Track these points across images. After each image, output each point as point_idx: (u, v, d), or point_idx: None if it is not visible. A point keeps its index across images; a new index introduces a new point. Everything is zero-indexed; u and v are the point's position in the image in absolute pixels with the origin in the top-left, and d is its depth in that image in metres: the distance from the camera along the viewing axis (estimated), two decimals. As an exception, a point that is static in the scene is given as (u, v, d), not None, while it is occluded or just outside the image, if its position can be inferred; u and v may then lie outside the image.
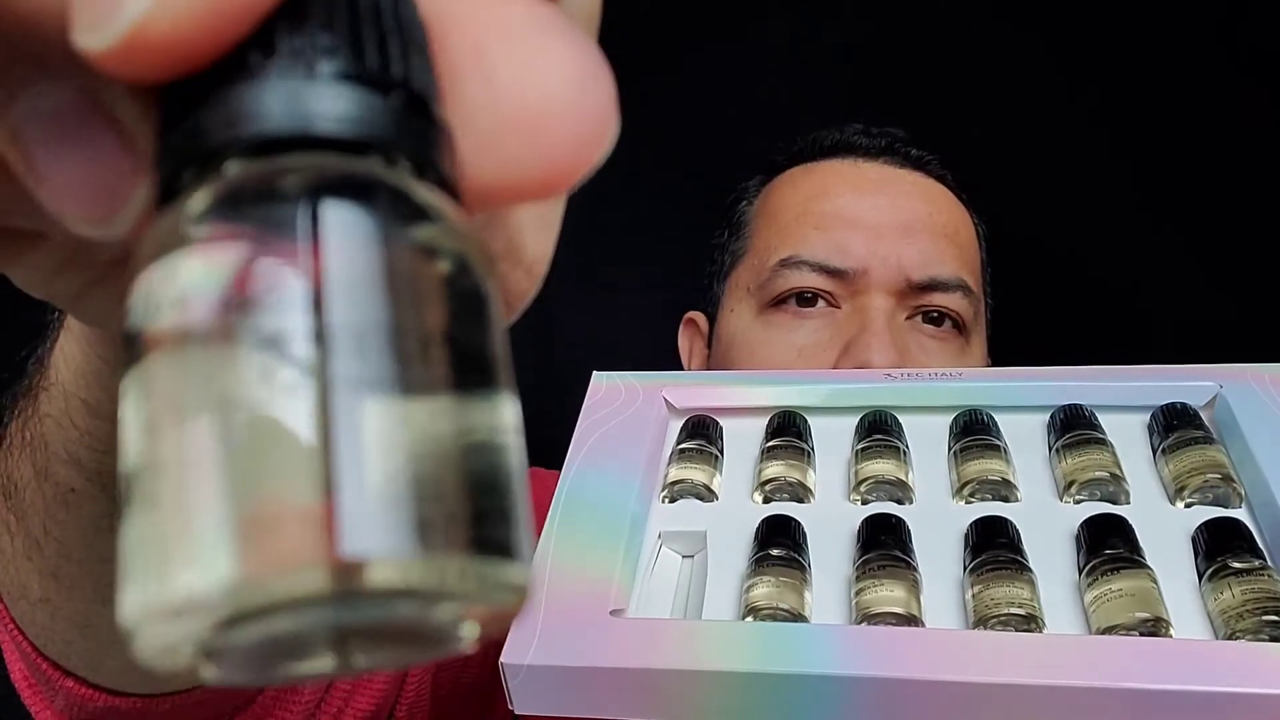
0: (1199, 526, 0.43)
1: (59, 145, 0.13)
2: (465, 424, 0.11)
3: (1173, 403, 0.49)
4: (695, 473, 0.50)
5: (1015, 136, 0.93)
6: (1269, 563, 0.41)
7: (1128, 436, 0.49)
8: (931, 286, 0.71)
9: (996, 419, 0.50)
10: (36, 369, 0.36)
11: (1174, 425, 0.47)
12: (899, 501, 0.47)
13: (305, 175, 0.11)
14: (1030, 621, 0.40)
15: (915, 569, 0.43)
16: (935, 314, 0.71)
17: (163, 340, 0.11)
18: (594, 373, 0.55)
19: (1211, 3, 0.92)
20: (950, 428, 0.51)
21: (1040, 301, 0.90)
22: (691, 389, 0.55)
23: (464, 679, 0.61)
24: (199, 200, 0.11)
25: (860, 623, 0.41)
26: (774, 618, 0.42)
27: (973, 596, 0.42)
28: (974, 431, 0.49)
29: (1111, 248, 0.95)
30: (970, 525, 0.44)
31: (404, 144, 0.12)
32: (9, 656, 0.45)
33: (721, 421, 0.53)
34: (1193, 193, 0.94)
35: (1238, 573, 0.40)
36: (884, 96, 0.93)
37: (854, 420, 0.52)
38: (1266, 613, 0.39)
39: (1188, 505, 0.45)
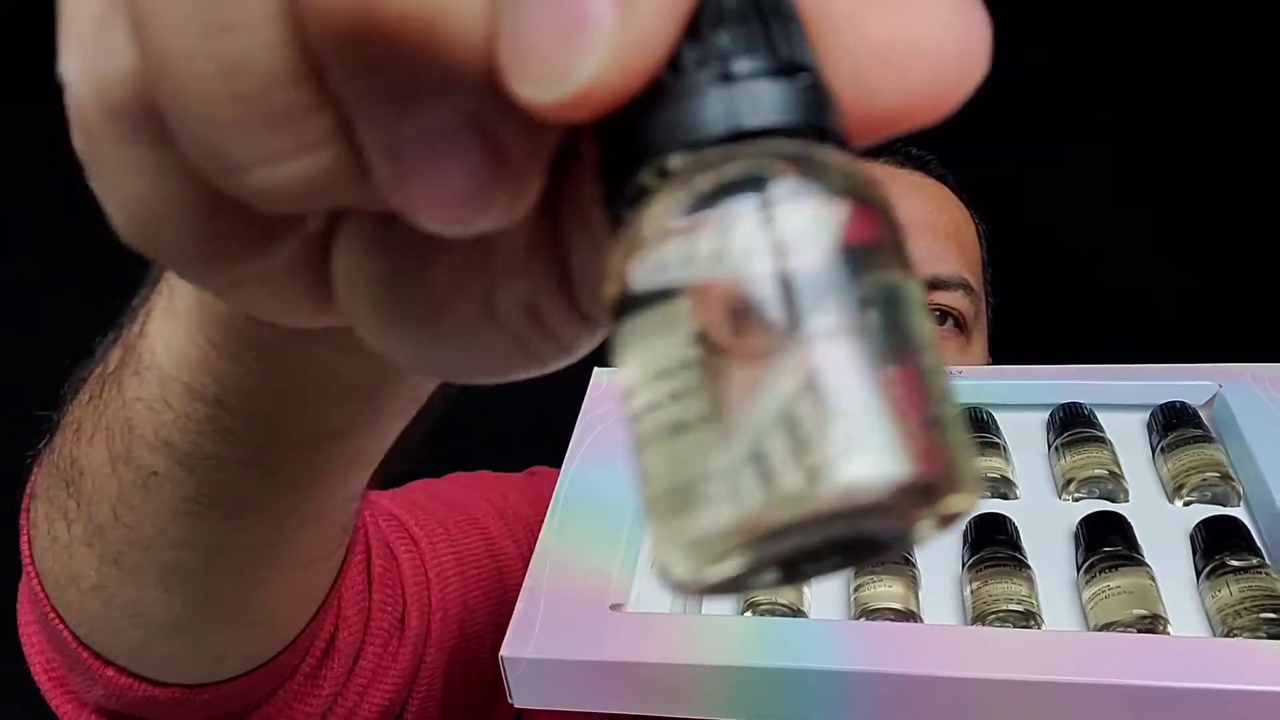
0: (1197, 524, 0.43)
1: (429, 159, 0.15)
2: (924, 352, 0.13)
3: (1172, 401, 0.49)
4: (695, 469, 0.50)
5: (1017, 135, 0.93)
6: (1267, 561, 0.41)
7: (1127, 435, 0.49)
8: (933, 285, 0.71)
9: (996, 417, 0.50)
10: (117, 354, 0.35)
11: (1173, 424, 0.48)
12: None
13: (749, 162, 0.13)
14: (1028, 618, 0.40)
15: (914, 565, 0.43)
16: (937, 312, 0.71)
17: (687, 299, 0.13)
18: (595, 369, 0.55)
19: None
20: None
21: (1041, 300, 0.90)
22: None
23: (473, 674, 0.61)
24: (672, 196, 0.14)
25: (859, 618, 0.42)
26: (773, 613, 0.42)
27: (971, 593, 0.42)
28: (973, 429, 0.49)
29: (1112, 247, 0.95)
30: (969, 522, 0.45)
31: (809, 119, 0.14)
32: (32, 649, 0.44)
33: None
34: (1194, 193, 0.94)
35: (1236, 571, 0.41)
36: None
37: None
38: (1264, 610, 0.39)
39: (1186, 504, 0.45)
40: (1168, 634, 0.39)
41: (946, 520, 0.13)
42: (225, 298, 0.22)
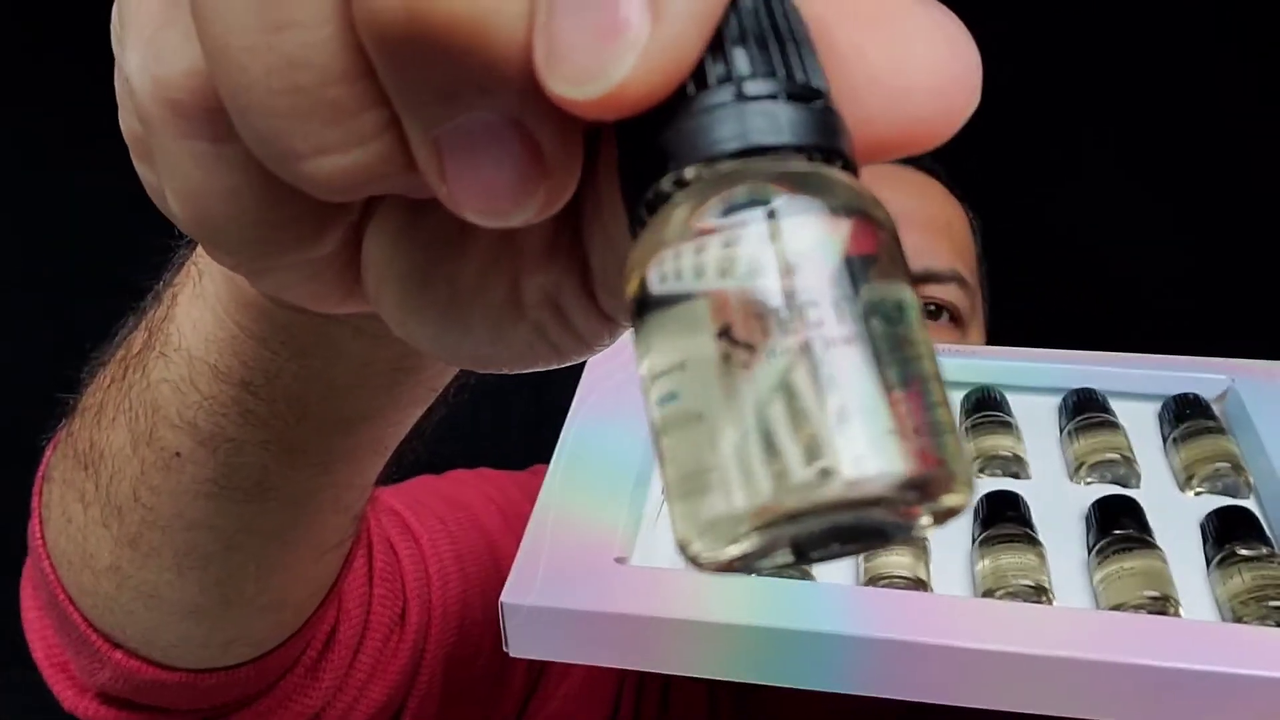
0: (1209, 513, 0.43)
1: (471, 155, 0.16)
2: (923, 359, 0.14)
3: (1185, 393, 0.49)
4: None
5: (1021, 125, 0.92)
6: (1277, 552, 0.41)
7: (1138, 423, 0.49)
8: (925, 278, 0.71)
9: (1008, 398, 0.50)
10: (140, 337, 0.36)
11: (1185, 414, 0.48)
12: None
13: (759, 178, 0.15)
14: (1039, 593, 0.40)
15: (924, 537, 0.43)
16: (931, 307, 0.71)
17: (702, 302, 0.14)
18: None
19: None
20: (961, 404, 0.50)
21: (1047, 297, 0.90)
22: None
23: (472, 672, 0.60)
24: (688, 205, 0.15)
25: (867, 585, 0.41)
26: (780, 575, 0.41)
27: (982, 567, 0.41)
28: (986, 408, 0.49)
29: (1122, 242, 0.95)
30: (981, 499, 0.44)
31: (818, 140, 0.15)
32: (34, 634, 0.44)
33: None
34: (1205, 186, 0.94)
35: (1246, 559, 0.40)
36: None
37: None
38: (1273, 599, 0.39)
39: (1197, 493, 0.45)
40: (1179, 616, 0.39)
41: (942, 516, 0.14)
42: (259, 283, 0.23)
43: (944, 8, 0.16)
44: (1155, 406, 0.50)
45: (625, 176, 0.16)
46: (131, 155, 0.22)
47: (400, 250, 0.21)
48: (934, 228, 0.73)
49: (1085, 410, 0.48)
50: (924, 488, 0.14)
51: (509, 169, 0.16)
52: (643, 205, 0.16)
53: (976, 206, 0.79)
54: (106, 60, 0.20)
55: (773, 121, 0.15)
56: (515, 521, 0.65)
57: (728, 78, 0.15)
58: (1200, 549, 0.43)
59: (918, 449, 0.13)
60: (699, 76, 0.15)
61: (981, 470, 0.47)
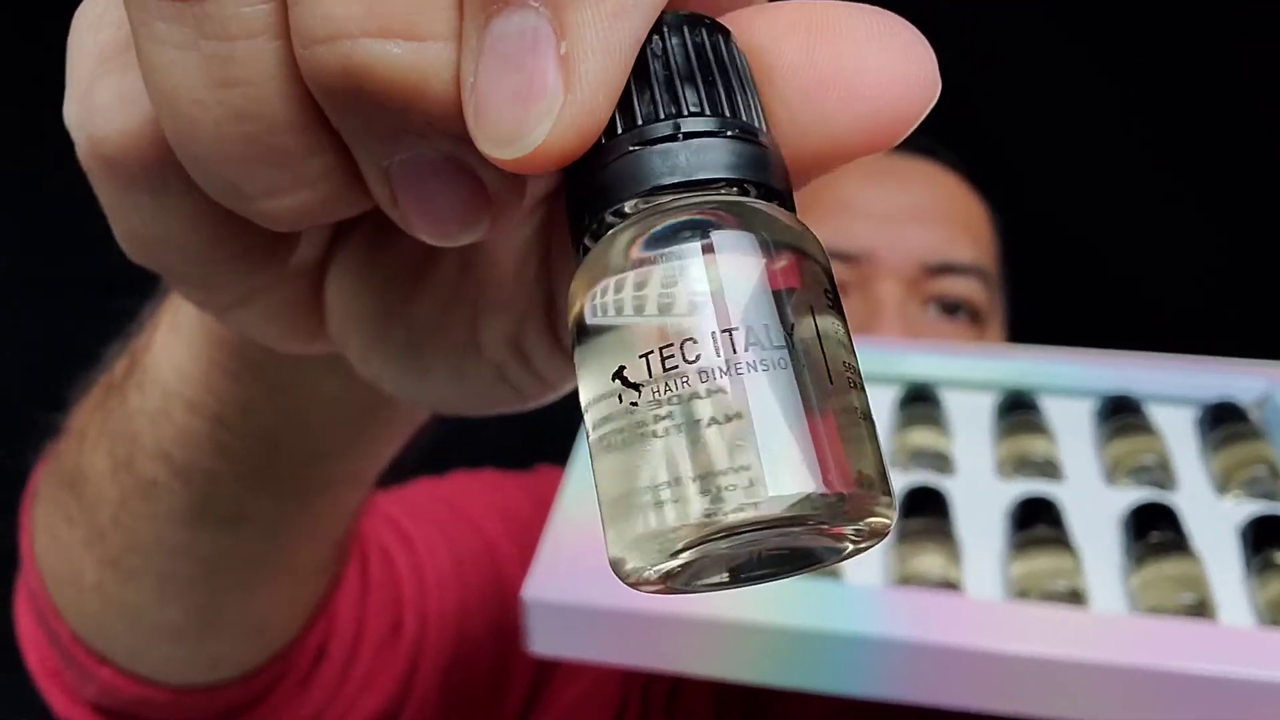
0: (1246, 518, 0.42)
1: (418, 184, 0.17)
2: (844, 391, 0.15)
3: (1222, 398, 0.48)
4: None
5: (1052, 121, 0.91)
6: (1319, 559, 0.40)
7: (1174, 428, 0.48)
8: (945, 269, 0.70)
9: (1042, 401, 0.49)
10: (124, 364, 0.36)
11: (1223, 419, 0.47)
12: (940, 474, 0.46)
13: (693, 209, 0.15)
14: (1074, 597, 0.39)
15: (956, 540, 0.42)
16: (949, 303, 0.70)
17: (631, 330, 0.15)
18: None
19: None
20: (995, 406, 0.50)
21: (1080, 300, 0.89)
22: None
23: (471, 680, 0.60)
24: (626, 235, 0.15)
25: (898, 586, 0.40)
26: (809, 576, 0.41)
27: (1015, 570, 0.40)
28: (1019, 410, 0.48)
29: (1157, 245, 0.94)
30: (1015, 502, 0.43)
31: (752, 175, 0.16)
32: (29, 644, 0.44)
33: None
34: (1244, 189, 0.92)
35: (1287, 566, 0.39)
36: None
37: (893, 392, 0.51)
38: (1315, 607, 0.38)
39: (1235, 498, 0.44)
40: (1216, 621, 0.38)
41: (867, 536, 0.15)
42: (225, 321, 0.24)
43: (891, 13, 0.17)
44: (1191, 411, 0.49)
45: (571, 211, 0.17)
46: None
47: (361, 292, 0.23)
48: (953, 220, 0.72)
49: (1121, 414, 0.47)
50: (844, 508, 0.14)
51: (453, 197, 0.17)
52: (587, 235, 0.16)
53: (1008, 206, 0.78)
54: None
55: (709, 156, 0.16)
56: (515, 527, 0.65)
57: (665, 116, 0.16)
58: (1238, 554, 0.42)
59: (837, 471, 0.14)
60: (634, 117, 0.16)
61: (1015, 473, 0.46)
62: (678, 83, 0.16)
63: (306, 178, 0.17)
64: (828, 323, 0.15)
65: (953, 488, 0.45)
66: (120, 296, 0.38)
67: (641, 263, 0.15)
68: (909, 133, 0.17)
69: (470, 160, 0.17)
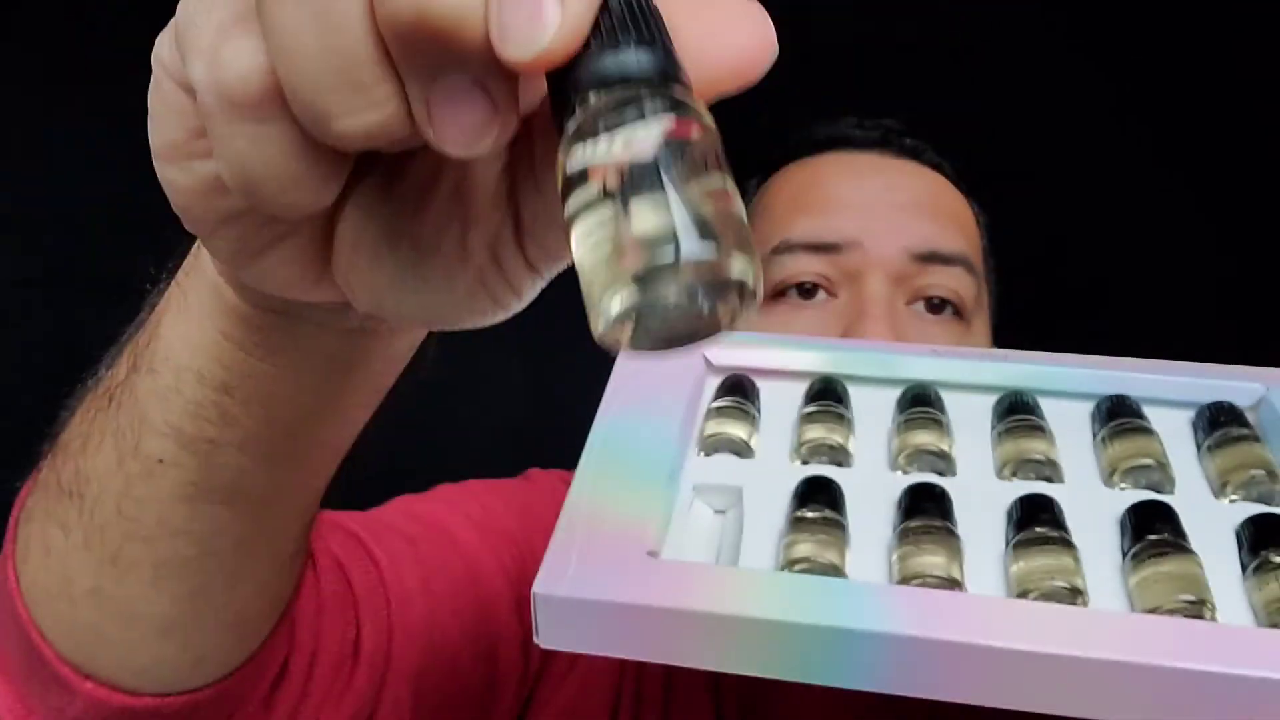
0: (1244, 520, 0.43)
1: (451, 105, 0.24)
2: (724, 191, 0.23)
3: (1219, 401, 0.49)
4: (733, 428, 0.49)
5: (1046, 122, 0.92)
6: (1314, 560, 0.41)
7: (1171, 431, 0.48)
8: (932, 258, 0.70)
9: (1040, 403, 0.50)
10: (126, 364, 0.41)
11: (1219, 422, 0.47)
12: (941, 474, 0.47)
13: (630, 93, 0.23)
14: (1075, 594, 0.40)
15: (958, 538, 0.43)
16: (936, 300, 0.71)
17: (595, 174, 0.23)
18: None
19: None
20: (994, 408, 0.50)
21: (1078, 302, 0.90)
22: (731, 348, 0.54)
23: (450, 689, 0.60)
24: (585, 113, 0.23)
25: (901, 584, 0.41)
26: (813, 573, 0.41)
27: (1016, 569, 0.41)
28: (1018, 412, 0.49)
29: (1156, 248, 0.94)
30: (1015, 501, 0.44)
31: (670, 71, 0.24)
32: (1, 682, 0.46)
33: (759, 384, 0.53)
34: (1240, 192, 0.93)
35: (1283, 567, 0.40)
36: (909, 93, 0.92)
37: (893, 393, 0.52)
38: (1311, 607, 0.39)
39: (1232, 500, 0.45)
40: (1216, 620, 0.39)
41: (741, 289, 0.22)
42: (245, 274, 0.32)
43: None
44: (1188, 414, 0.50)
45: (554, 104, 0.24)
46: (161, 161, 0.29)
47: (372, 219, 0.30)
48: (939, 212, 0.73)
49: (1119, 416, 0.48)
50: (719, 259, 0.22)
51: (475, 113, 0.24)
52: (565, 117, 0.24)
53: (999, 210, 0.79)
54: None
55: (640, 60, 0.24)
56: (493, 536, 0.66)
57: (612, 35, 0.24)
58: (1235, 556, 0.42)
59: (717, 234, 0.22)
60: (593, 38, 0.23)
61: (1014, 473, 0.47)
62: (626, 18, 0.24)
63: (375, 100, 0.24)
64: (709, 153, 0.23)
65: (954, 488, 0.45)
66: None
67: (598, 132, 0.23)
68: (758, 79, 0.25)
69: (489, 83, 0.24)
